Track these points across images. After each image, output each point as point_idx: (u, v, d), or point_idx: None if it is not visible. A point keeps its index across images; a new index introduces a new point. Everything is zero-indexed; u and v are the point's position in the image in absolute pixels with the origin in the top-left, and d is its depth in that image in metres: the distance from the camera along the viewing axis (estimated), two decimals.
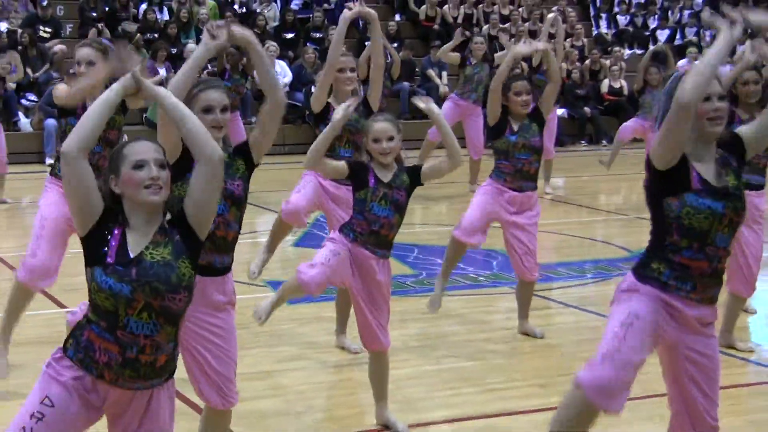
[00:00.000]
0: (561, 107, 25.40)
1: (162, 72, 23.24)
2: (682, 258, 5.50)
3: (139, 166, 4.83)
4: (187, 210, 5.01)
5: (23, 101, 21.50)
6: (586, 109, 25.92)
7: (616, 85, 24.79)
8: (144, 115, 22.44)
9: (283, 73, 24.52)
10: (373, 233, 7.55)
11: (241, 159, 6.35)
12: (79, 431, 5.01)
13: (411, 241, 14.12)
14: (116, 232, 4.86)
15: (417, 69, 25.48)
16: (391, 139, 7.43)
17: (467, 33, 19.89)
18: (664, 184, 5.49)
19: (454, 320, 10.68)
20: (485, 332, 10.53)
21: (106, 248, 4.82)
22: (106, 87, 7.32)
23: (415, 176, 7.64)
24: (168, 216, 5.02)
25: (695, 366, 5.68)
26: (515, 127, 9.82)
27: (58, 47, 22.20)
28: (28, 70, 22.66)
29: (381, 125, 7.50)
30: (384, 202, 7.50)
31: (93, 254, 4.84)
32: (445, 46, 19.95)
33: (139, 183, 4.80)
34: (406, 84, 24.94)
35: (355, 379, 8.75)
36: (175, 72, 22.34)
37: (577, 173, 20.14)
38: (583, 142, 25.73)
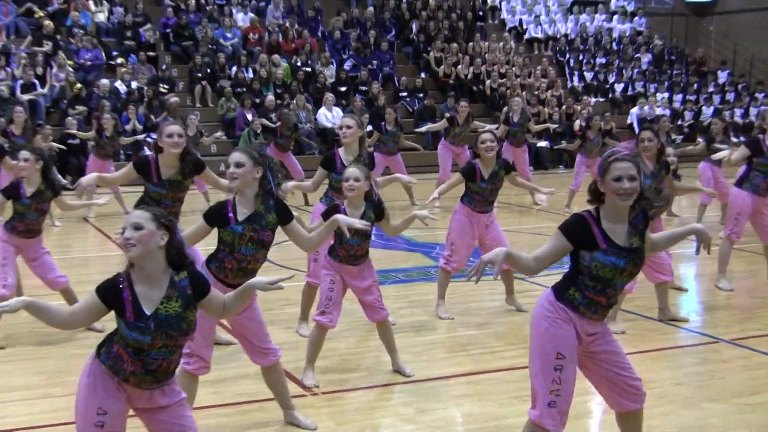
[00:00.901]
0: (544, 140, 25.39)
1: (249, 116, 23.29)
2: (589, 293, 5.40)
3: (122, 229, 4.83)
4: (206, 300, 5.05)
5: (148, 139, 21.56)
6: (563, 142, 25.87)
7: (585, 125, 24.69)
8: (234, 147, 22.40)
9: (338, 116, 24.52)
10: (351, 256, 7.79)
11: (275, 214, 6.48)
12: (125, 413, 5.02)
13: (433, 240, 14.10)
14: (126, 294, 4.79)
15: (437, 113, 25.41)
16: (357, 180, 7.57)
17: (447, 115, 19.88)
18: (577, 244, 5.39)
19: (467, 300, 10.67)
20: (489, 309, 10.53)
21: (123, 308, 4.77)
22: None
23: (379, 213, 7.78)
24: (183, 273, 4.96)
25: (605, 348, 5.62)
26: (486, 175, 9.77)
27: (173, 99, 22.31)
28: (151, 116, 22.83)
29: (350, 170, 7.70)
30: (356, 236, 7.57)
31: (116, 311, 4.81)
32: (431, 125, 20.12)
33: (121, 242, 4.81)
34: (429, 122, 24.87)
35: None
36: (260, 116, 22.47)
37: (557, 190, 20.05)
38: (561, 166, 25.67)
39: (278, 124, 19.00)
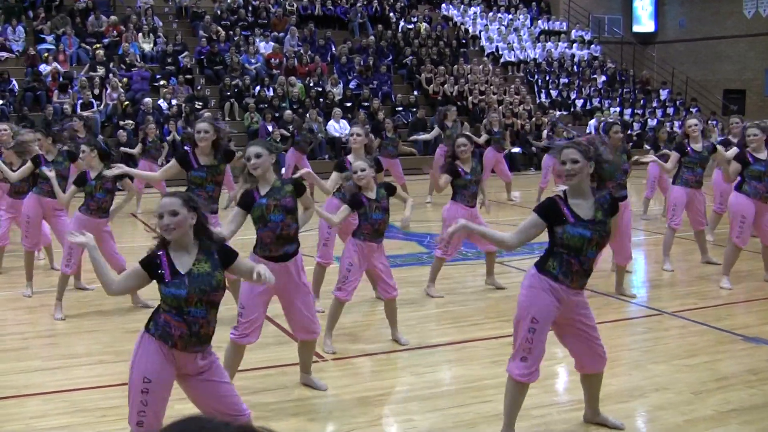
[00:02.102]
0: (517, 147, 25.35)
1: (270, 127, 23.26)
2: (564, 259, 5.49)
3: (160, 215, 4.83)
4: (234, 266, 5.05)
5: (186, 147, 21.48)
6: (533, 149, 25.89)
7: (551, 133, 24.65)
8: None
9: (345, 127, 24.52)
10: (375, 231, 7.75)
11: (291, 185, 6.56)
12: (171, 381, 4.98)
13: (425, 231, 14.11)
14: (164, 259, 4.82)
15: (428, 124, 25.38)
16: (363, 169, 7.66)
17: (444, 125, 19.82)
18: (550, 221, 5.48)
19: (452, 281, 10.68)
20: (471, 288, 10.53)
21: (161, 272, 4.80)
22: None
23: (390, 190, 7.87)
24: (214, 246, 4.99)
25: (582, 320, 5.72)
26: (467, 170, 9.82)
27: (206, 114, 22.09)
28: (188, 128, 22.81)
29: (356, 164, 7.80)
30: (377, 210, 7.69)
31: (156, 279, 4.83)
32: (424, 135, 20.24)
33: (161, 227, 4.84)
34: (421, 133, 24.88)
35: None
36: (279, 127, 22.43)
37: (527, 188, 20.03)
38: (531, 169, 25.61)
39: (296, 130, 19.03)
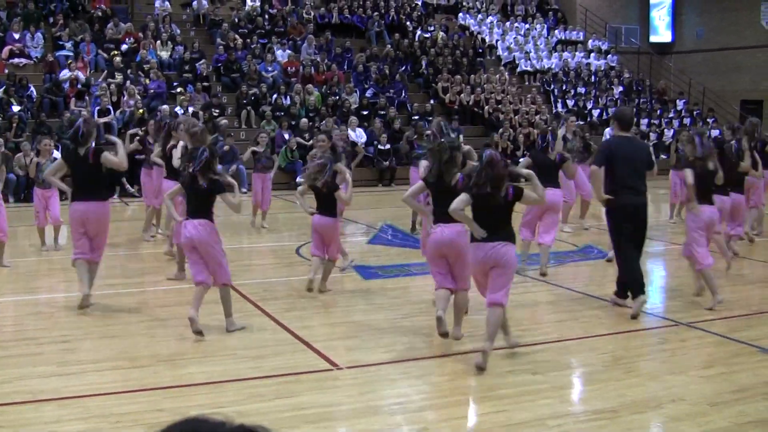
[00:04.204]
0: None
1: (286, 135, 23.29)
2: None
3: None
4: None
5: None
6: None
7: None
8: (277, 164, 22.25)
9: (361, 135, 24.54)
10: None
11: None
12: None
13: None
14: None
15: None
16: None
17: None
18: None
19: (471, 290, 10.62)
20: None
21: None
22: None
23: None
24: None
25: None
26: None
27: (223, 121, 22.28)
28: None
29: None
30: None
31: None
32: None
33: None
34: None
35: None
36: (295, 136, 22.35)
37: None
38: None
39: (414, 137, 17.88)
